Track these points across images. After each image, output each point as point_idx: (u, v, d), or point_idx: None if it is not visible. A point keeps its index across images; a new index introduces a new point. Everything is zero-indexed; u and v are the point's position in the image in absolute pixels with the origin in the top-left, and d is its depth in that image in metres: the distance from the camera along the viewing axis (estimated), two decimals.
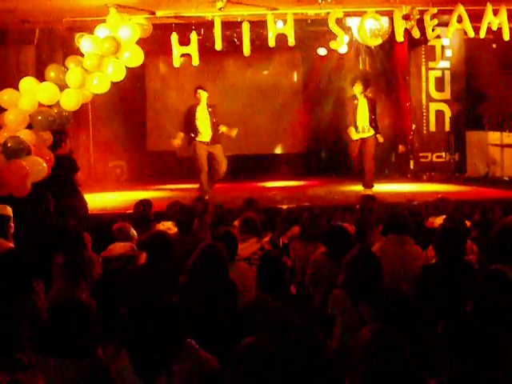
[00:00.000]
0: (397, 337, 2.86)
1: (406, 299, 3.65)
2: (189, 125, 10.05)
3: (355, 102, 10.28)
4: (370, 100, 10.36)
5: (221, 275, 4.21)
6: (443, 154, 12.41)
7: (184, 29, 9.07)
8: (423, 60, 12.47)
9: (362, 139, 10.30)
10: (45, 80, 7.76)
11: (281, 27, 8.87)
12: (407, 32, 9.08)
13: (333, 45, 9.12)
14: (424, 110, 12.54)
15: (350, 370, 3.03)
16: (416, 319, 3.55)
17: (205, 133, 10.04)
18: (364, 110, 10.25)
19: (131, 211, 7.23)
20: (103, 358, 3.23)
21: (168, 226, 6.37)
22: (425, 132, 12.58)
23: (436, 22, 8.77)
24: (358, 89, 10.29)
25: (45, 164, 7.29)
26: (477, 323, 3.25)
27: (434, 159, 12.53)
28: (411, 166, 12.54)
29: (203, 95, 10.05)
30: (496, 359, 2.87)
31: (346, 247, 4.65)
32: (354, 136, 10.20)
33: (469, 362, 2.93)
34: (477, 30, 8.87)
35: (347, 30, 9.67)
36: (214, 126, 10.04)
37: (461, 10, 8.67)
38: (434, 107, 12.54)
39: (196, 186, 10.22)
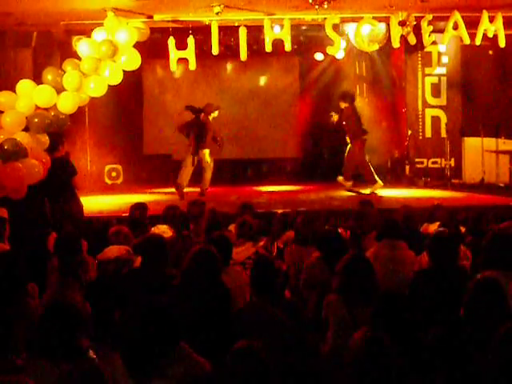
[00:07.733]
0: (389, 343, 2.88)
1: (399, 304, 3.66)
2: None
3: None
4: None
5: (213, 279, 4.21)
6: (439, 160, 12.44)
7: (181, 33, 9.09)
8: (419, 66, 12.51)
9: None
10: (42, 83, 7.77)
11: (278, 32, 8.91)
12: (403, 38, 9.12)
13: (329, 50, 9.17)
14: (420, 116, 12.59)
15: (342, 374, 3.05)
16: (409, 324, 3.57)
17: None
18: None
19: (127, 214, 7.24)
20: (96, 360, 3.24)
21: (163, 230, 6.36)
22: (420, 138, 12.63)
23: (431, 28, 8.81)
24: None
25: (41, 166, 7.30)
26: (468, 329, 3.27)
27: (430, 165, 12.57)
28: (407, 172, 12.55)
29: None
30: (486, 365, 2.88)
31: (340, 252, 4.66)
32: None
33: (460, 367, 2.95)
34: (473, 36, 8.90)
35: (344, 35, 9.71)
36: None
37: (457, 16, 8.71)
38: (429, 113, 12.59)
39: (196, 189, 10.32)
